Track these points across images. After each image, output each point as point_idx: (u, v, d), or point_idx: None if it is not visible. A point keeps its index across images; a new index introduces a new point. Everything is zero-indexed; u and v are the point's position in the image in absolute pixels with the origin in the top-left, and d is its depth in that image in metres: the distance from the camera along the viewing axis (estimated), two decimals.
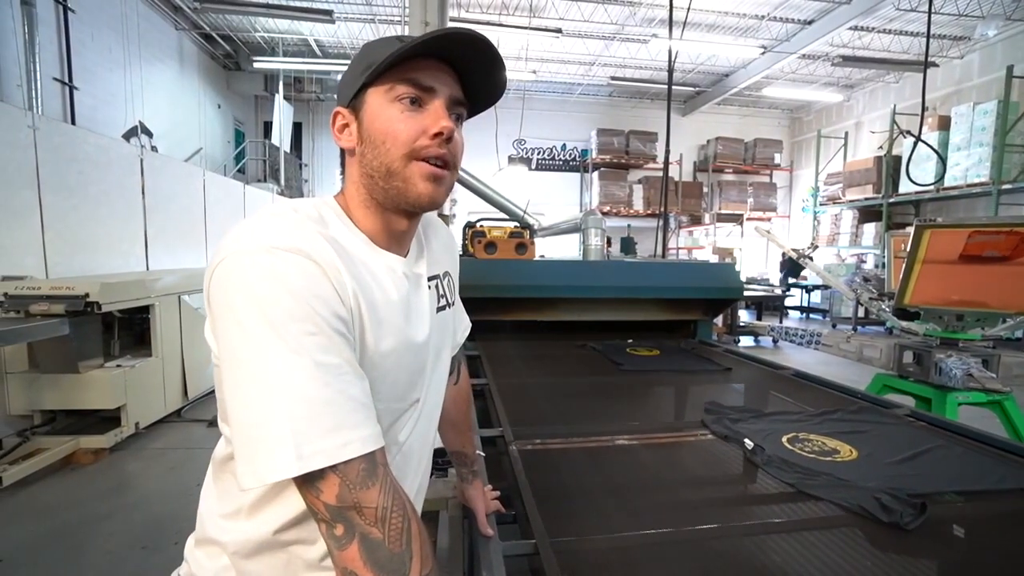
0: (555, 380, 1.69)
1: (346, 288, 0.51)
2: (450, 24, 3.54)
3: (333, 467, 0.44)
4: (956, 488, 0.89)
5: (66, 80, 5.03)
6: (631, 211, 9.87)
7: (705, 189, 10.49)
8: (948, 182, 6.52)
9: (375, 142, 0.55)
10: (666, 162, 3.86)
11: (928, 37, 3.21)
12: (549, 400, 1.47)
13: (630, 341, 2.17)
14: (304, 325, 0.46)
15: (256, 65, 8.08)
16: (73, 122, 4.94)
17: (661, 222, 3.94)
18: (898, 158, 7.39)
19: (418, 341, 0.61)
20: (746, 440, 1.07)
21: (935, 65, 7.70)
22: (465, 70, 0.57)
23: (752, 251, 10.29)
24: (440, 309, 0.67)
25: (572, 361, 1.91)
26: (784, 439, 1.09)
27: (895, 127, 7.37)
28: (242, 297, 0.46)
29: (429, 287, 0.66)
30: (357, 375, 0.49)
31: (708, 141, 10.68)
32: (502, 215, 3.22)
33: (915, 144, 3.15)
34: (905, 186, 7.13)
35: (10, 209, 2.88)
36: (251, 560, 0.56)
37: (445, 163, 0.56)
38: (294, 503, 0.53)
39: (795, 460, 0.98)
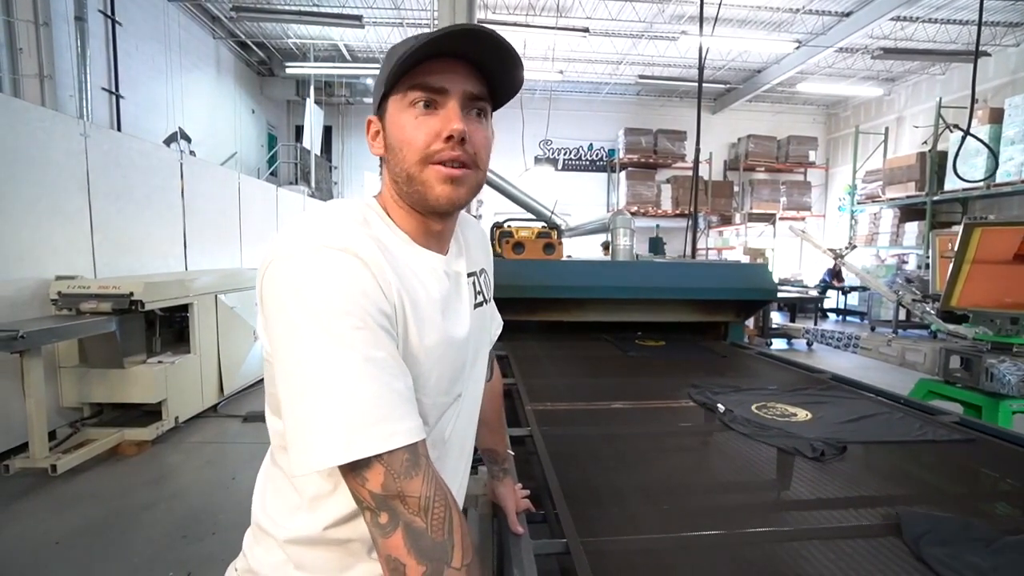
0: (572, 364, 1.89)
1: (390, 286, 0.52)
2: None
3: (379, 456, 0.45)
4: (880, 439, 1.09)
5: (113, 89, 5.30)
6: (659, 211, 9.72)
7: (736, 188, 10.23)
8: (1000, 178, 6.16)
9: (395, 149, 0.57)
10: (696, 161, 3.79)
11: (980, 24, 3.01)
12: (565, 378, 1.71)
13: (639, 333, 2.27)
14: (351, 320, 0.47)
15: (288, 71, 8.33)
16: (119, 129, 5.19)
17: (690, 222, 3.86)
18: (943, 154, 7.03)
19: (459, 336, 0.61)
20: (719, 405, 1.26)
21: (987, 54, 7.30)
22: (480, 62, 0.57)
23: (785, 251, 9.98)
24: (478, 305, 0.69)
25: (587, 350, 2.09)
26: (753, 406, 1.28)
27: (941, 121, 7.02)
28: (292, 295, 0.48)
29: (468, 284, 0.67)
30: (401, 369, 0.50)
31: (739, 139, 10.42)
32: (528, 215, 3.22)
33: (963, 138, 2.98)
34: (951, 183, 6.78)
35: (64, 213, 3.05)
36: (308, 553, 0.58)
37: (463, 163, 0.56)
38: (349, 498, 0.54)
39: (756, 420, 1.17)
